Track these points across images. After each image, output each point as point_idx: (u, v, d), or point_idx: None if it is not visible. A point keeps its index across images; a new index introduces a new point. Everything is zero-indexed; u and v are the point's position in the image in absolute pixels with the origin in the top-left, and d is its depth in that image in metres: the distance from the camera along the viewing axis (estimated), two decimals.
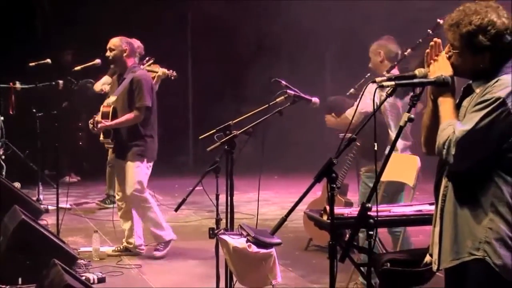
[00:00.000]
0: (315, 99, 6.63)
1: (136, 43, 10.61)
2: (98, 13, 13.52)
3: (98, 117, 8.30)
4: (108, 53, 8.36)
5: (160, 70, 10.14)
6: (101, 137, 8.35)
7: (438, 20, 6.96)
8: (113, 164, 9.13)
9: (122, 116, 8.27)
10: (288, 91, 6.42)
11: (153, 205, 8.46)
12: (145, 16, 14.05)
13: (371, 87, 3.99)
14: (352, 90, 7.82)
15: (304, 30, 13.90)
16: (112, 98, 8.37)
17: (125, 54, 8.31)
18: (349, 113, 7.21)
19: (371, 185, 6.84)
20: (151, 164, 8.44)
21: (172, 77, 10.46)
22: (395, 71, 7.02)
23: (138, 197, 8.31)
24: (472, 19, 3.74)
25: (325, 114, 7.78)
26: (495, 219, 3.73)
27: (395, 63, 7.15)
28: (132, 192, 8.27)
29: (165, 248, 8.47)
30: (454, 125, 3.72)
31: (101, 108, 8.40)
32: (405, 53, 7.12)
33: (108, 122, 8.23)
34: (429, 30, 7.05)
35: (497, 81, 3.74)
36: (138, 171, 8.26)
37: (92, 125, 8.33)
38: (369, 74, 7.54)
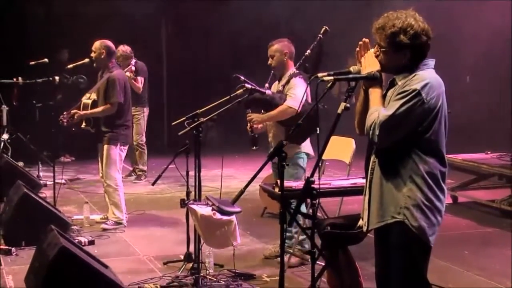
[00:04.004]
0: (269, 92, 6.65)
1: (125, 47, 10.76)
2: (88, 15, 13.45)
3: (73, 110, 8.21)
4: (92, 54, 8.34)
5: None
6: (83, 125, 8.27)
7: (325, 27, 6.92)
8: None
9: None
10: (246, 84, 6.42)
11: (120, 188, 8.29)
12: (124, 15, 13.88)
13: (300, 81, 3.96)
14: (267, 85, 7.03)
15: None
16: (92, 94, 8.32)
17: (102, 56, 8.24)
18: (291, 104, 6.59)
19: (302, 165, 6.84)
20: (124, 147, 8.32)
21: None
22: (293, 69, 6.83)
23: (109, 176, 8.21)
24: (395, 22, 3.81)
25: (248, 113, 6.92)
26: (412, 189, 3.80)
27: (301, 61, 6.88)
28: (106, 170, 8.20)
29: (113, 225, 8.23)
30: (379, 111, 3.78)
31: (82, 100, 8.32)
32: (306, 54, 6.98)
33: (82, 112, 8.17)
34: (319, 35, 6.96)
35: (414, 75, 3.81)
36: (111, 153, 8.14)
37: (62, 120, 8.17)
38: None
